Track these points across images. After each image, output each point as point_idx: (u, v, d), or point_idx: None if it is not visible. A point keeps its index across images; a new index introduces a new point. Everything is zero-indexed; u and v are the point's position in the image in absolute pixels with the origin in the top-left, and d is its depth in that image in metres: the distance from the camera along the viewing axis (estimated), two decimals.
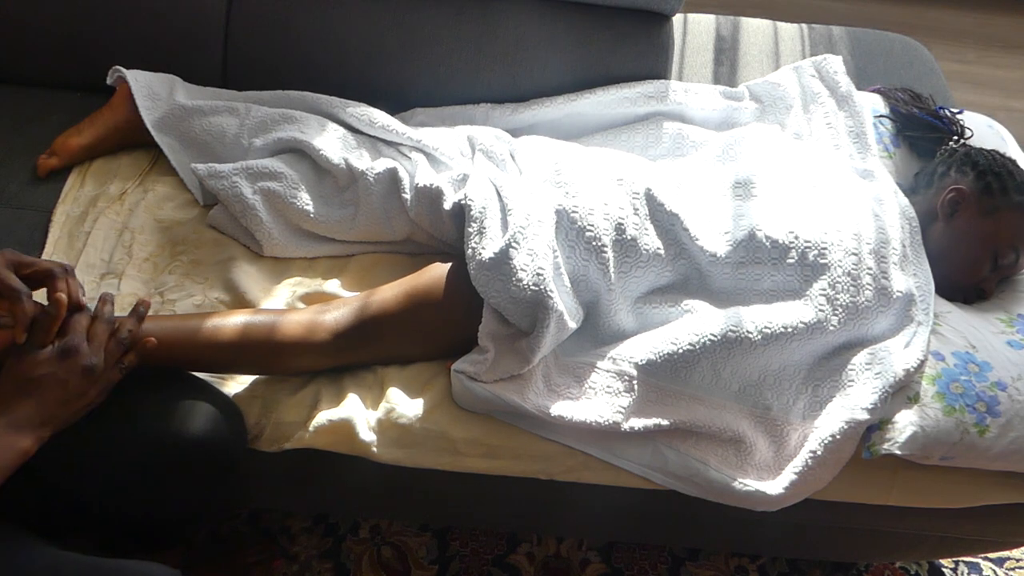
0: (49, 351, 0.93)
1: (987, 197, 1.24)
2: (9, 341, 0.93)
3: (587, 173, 1.24)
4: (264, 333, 1.10)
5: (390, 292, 1.16)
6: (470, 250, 1.14)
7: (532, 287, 1.09)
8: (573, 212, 1.17)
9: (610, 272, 1.16)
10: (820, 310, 1.14)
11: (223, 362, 1.10)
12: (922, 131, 1.44)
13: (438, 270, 1.18)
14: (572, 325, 1.14)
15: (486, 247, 1.13)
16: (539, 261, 1.11)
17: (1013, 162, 1.30)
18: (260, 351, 1.10)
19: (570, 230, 1.17)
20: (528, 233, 1.13)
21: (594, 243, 1.16)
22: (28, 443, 0.89)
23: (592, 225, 1.17)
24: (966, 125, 1.43)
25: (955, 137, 1.42)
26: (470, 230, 1.16)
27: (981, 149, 1.33)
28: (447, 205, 1.22)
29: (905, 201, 1.26)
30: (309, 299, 1.23)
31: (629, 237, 1.18)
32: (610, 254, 1.17)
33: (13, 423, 0.89)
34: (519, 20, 1.49)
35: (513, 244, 1.12)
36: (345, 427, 1.11)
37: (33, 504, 0.98)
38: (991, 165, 1.27)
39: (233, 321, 1.10)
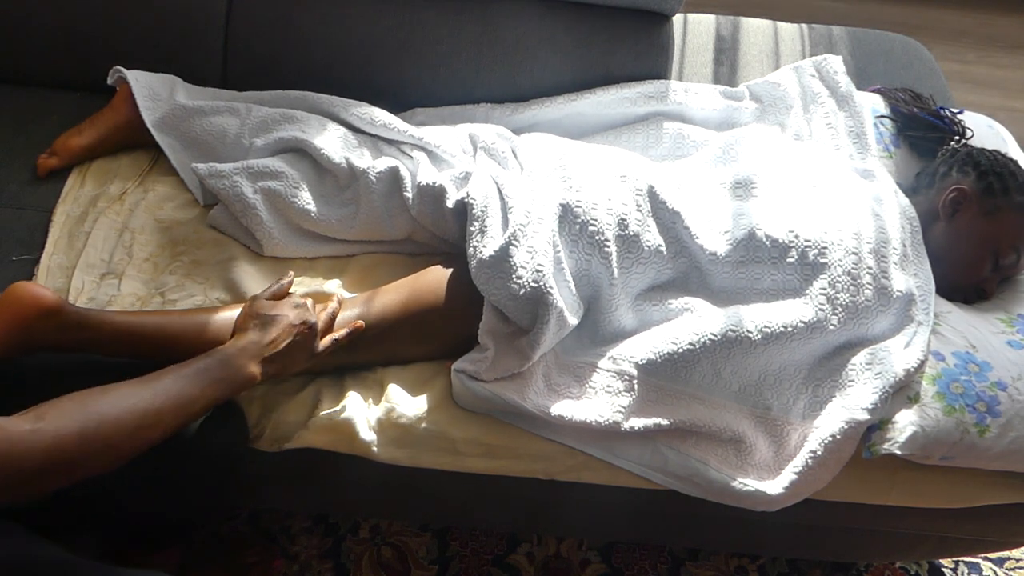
0: (284, 300, 1.07)
1: (989, 197, 1.24)
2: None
3: (591, 169, 1.24)
4: None
5: (392, 293, 1.16)
6: (471, 248, 1.14)
7: (532, 284, 1.09)
8: (577, 206, 1.18)
9: (612, 266, 1.16)
10: (820, 309, 1.14)
11: None
12: (923, 131, 1.44)
13: (439, 270, 1.19)
14: (572, 321, 1.14)
15: (487, 245, 1.14)
16: (539, 258, 1.11)
17: (1015, 162, 1.30)
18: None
19: (573, 224, 1.17)
20: (528, 231, 1.13)
21: (597, 237, 1.16)
22: (256, 369, 0.98)
23: (595, 219, 1.17)
24: (966, 125, 1.43)
25: (956, 137, 1.42)
26: (472, 228, 1.16)
27: (983, 149, 1.33)
28: (450, 203, 1.22)
29: (905, 201, 1.26)
30: (308, 298, 1.23)
31: (631, 233, 1.18)
32: (613, 249, 1.17)
33: (245, 350, 0.99)
34: (519, 20, 1.49)
35: (513, 242, 1.12)
36: (345, 427, 1.11)
37: (35, 503, 0.98)
38: (993, 165, 1.27)
39: (159, 317, 1.10)
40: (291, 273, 1.16)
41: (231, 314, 1.10)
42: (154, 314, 1.11)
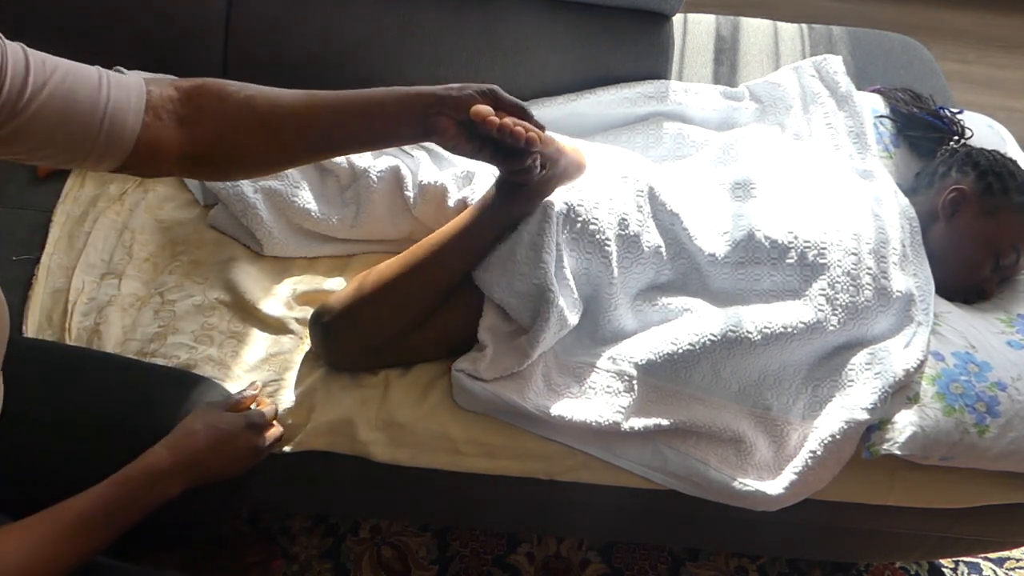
0: (240, 416, 1.01)
1: (988, 197, 1.24)
2: None
3: (592, 168, 1.24)
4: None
5: None
6: None
7: (533, 281, 1.10)
8: (579, 206, 1.17)
9: (612, 266, 1.16)
10: (820, 310, 1.14)
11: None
12: (922, 131, 1.44)
13: None
14: (572, 320, 1.14)
15: None
16: (541, 255, 1.11)
17: (1014, 162, 1.30)
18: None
19: (574, 223, 1.17)
20: (532, 229, 1.13)
21: (598, 236, 1.16)
22: (176, 490, 0.92)
23: (596, 219, 1.17)
24: (966, 125, 1.43)
25: (955, 137, 1.42)
26: None
27: (982, 149, 1.33)
28: (451, 202, 1.22)
29: (905, 201, 1.26)
30: (309, 298, 1.23)
31: (632, 233, 1.18)
32: (613, 248, 1.17)
33: (173, 472, 0.92)
34: (519, 20, 1.49)
35: (516, 240, 1.12)
36: (345, 427, 1.11)
37: (37, 506, 0.98)
38: (992, 165, 1.27)
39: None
40: (257, 383, 1.10)
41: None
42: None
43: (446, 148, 0.97)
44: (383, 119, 0.94)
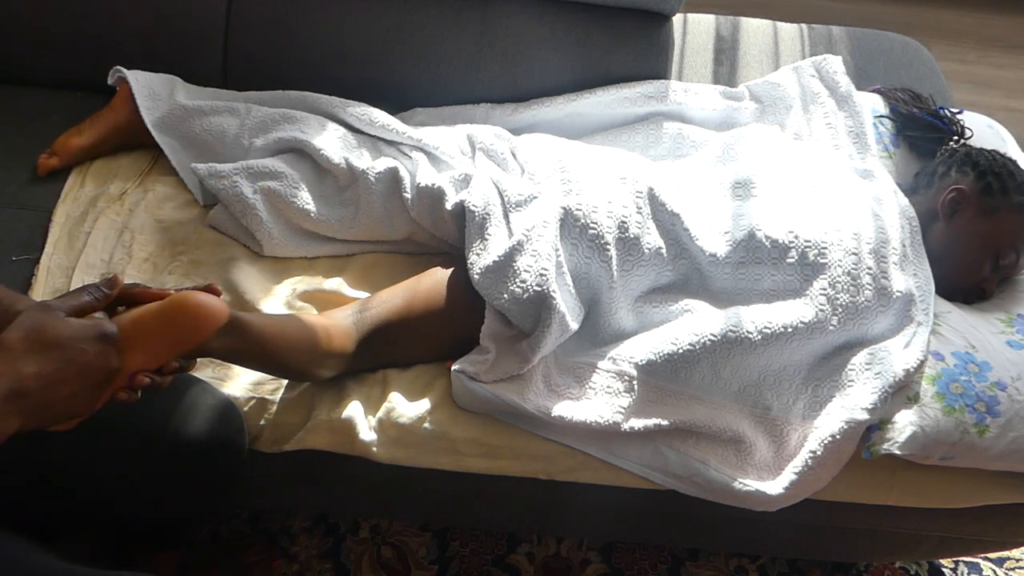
0: (86, 322, 0.75)
1: (987, 197, 1.25)
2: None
3: (591, 171, 1.24)
4: (300, 336, 1.06)
5: (392, 297, 1.16)
6: (473, 255, 1.14)
7: (535, 288, 1.09)
8: (577, 210, 1.18)
9: (612, 270, 1.16)
10: (820, 310, 1.14)
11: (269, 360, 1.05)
12: (922, 131, 1.44)
13: (439, 273, 1.18)
14: (573, 326, 1.14)
15: (489, 250, 1.14)
16: (542, 262, 1.11)
17: (1013, 162, 1.30)
18: (297, 356, 1.06)
19: (573, 227, 1.17)
20: (533, 235, 1.13)
21: (597, 241, 1.16)
22: (12, 422, 0.67)
23: (596, 223, 1.17)
24: (966, 125, 1.43)
25: (955, 137, 1.42)
26: (472, 234, 1.16)
27: (982, 149, 1.33)
28: (448, 205, 1.22)
29: (905, 201, 1.26)
30: (308, 298, 1.23)
31: (632, 235, 1.18)
32: (613, 252, 1.17)
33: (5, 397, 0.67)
34: (519, 20, 1.49)
35: (517, 246, 1.12)
36: (346, 427, 1.11)
37: (34, 506, 0.98)
38: (991, 165, 1.27)
39: (275, 320, 1.05)
40: (119, 276, 0.84)
41: (330, 323, 1.09)
42: (272, 319, 1.06)
43: None
44: None
